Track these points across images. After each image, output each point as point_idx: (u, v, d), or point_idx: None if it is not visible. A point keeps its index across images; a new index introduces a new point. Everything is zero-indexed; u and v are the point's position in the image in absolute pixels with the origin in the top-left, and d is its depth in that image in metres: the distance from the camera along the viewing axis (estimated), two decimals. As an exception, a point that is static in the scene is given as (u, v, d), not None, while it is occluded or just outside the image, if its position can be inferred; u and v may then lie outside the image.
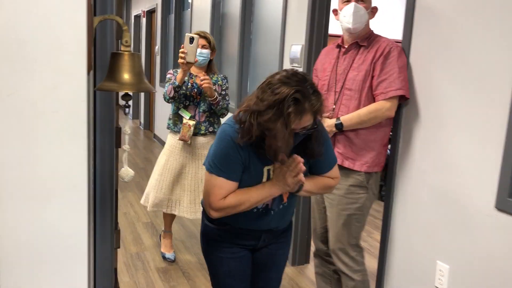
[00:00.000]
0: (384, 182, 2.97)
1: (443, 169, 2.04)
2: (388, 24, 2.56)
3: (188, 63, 2.80)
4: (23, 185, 0.98)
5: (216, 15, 4.86)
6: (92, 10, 1.14)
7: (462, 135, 1.95)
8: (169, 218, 3.29)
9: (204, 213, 1.74)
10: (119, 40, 1.22)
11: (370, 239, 3.82)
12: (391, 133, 2.36)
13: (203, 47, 3.02)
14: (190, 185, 3.13)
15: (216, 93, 3.01)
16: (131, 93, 1.07)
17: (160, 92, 6.73)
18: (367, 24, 2.31)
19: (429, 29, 2.11)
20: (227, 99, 3.14)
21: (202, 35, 3.05)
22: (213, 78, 3.11)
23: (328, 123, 2.26)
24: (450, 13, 2.00)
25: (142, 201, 3.36)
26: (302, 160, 1.51)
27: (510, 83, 1.73)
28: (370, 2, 2.30)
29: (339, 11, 2.33)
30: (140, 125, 8.90)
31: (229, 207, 1.54)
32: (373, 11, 2.32)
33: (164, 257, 3.24)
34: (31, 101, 0.85)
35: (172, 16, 6.60)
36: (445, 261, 2.03)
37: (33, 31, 0.79)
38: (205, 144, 3.12)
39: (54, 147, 0.99)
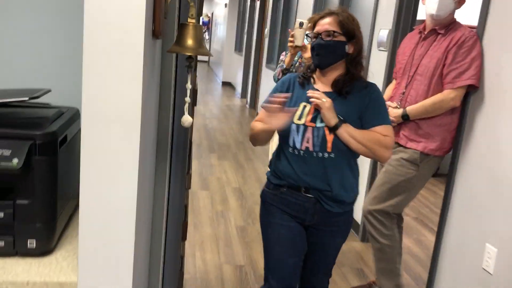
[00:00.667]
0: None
1: (500, 153, 2.07)
2: (468, 10, 2.56)
3: (296, 46, 2.83)
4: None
5: (318, 0, 5.04)
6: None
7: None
8: None
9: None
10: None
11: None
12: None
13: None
14: None
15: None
16: (193, 56, 1.37)
17: (267, 73, 7.10)
18: (452, 13, 2.34)
19: (503, 17, 2.12)
20: None
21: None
22: None
23: (395, 114, 2.38)
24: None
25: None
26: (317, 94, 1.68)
27: None
28: None
29: None
30: (246, 103, 9.41)
31: (252, 127, 1.83)
32: (460, 1, 2.35)
33: None
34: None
35: (282, 1, 6.90)
36: (494, 244, 2.08)
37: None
38: None
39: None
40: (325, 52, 1.72)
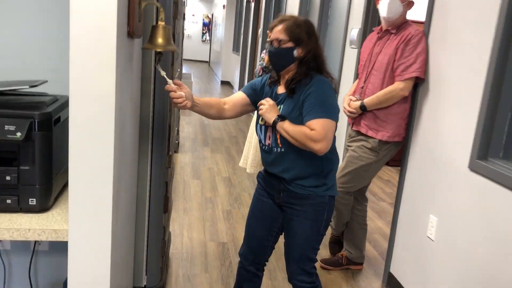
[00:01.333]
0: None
1: (440, 136, 2.37)
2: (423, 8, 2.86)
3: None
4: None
5: (304, 1, 5.35)
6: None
7: (453, 109, 2.27)
8: None
9: None
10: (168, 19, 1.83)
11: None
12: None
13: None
14: None
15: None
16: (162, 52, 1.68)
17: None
18: (402, 15, 2.63)
19: (443, 19, 2.42)
20: None
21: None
22: None
23: (355, 106, 2.68)
24: (454, 8, 2.30)
25: (240, 164, 3.76)
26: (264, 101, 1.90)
27: (486, 70, 2.02)
28: None
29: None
30: (243, 101, 9.71)
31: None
32: (409, 4, 2.64)
33: None
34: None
35: (273, 1, 7.20)
36: (435, 214, 2.38)
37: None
38: None
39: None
40: (276, 58, 1.90)
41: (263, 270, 2.15)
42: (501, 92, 1.98)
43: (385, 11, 2.59)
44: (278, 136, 1.90)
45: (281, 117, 1.85)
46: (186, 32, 19.20)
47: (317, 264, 3.04)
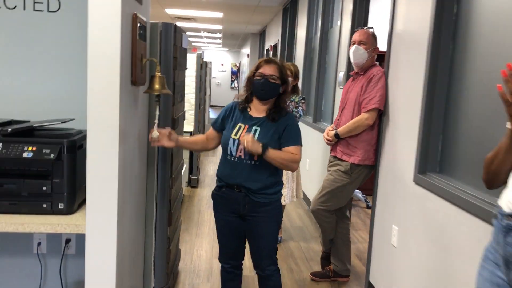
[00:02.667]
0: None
1: (396, 157, 2.82)
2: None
3: None
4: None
5: (308, 49, 5.95)
6: (146, 51, 2.37)
7: (403, 134, 2.73)
8: None
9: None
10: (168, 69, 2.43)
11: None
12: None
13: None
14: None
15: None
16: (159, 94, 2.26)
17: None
18: (369, 59, 3.15)
19: (395, 62, 2.92)
20: (299, 111, 4.11)
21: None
22: (293, 97, 4.09)
23: (331, 134, 3.18)
24: (402, 53, 2.80)
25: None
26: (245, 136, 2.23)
27: (420, 101, 2.50)
28: (371, 44, 3.13)
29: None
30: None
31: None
32: (374, 50, 3.17)
33: None
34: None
35: (286, 51, 7.88)
36: (396, 224, 2.79)
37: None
38: None
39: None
40: (268, 90, 2.34)
41: (241, 268, 2.59)
42: (432, 118, 2.44)
43: (352, 58, 3.13)
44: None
45: (264, 146, 2.24)
46: (216, 81, 20.27)
47: (307, 276, 3.46)
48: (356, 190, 5.20)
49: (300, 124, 4.68)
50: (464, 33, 2.29)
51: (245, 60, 15.88)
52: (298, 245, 4.13)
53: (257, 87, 2.38)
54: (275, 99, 2.41)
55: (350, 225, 3.40)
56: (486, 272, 1.41)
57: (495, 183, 1.44)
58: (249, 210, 2.36)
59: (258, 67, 2.42)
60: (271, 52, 9.89)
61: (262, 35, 12.72)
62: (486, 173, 1.46)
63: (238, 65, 20.82)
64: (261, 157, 2.26)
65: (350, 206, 3.55)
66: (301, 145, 2.40)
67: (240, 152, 2.36)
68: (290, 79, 4.00)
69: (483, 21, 2.12)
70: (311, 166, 5.23)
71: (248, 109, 2.47)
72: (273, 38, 9.82)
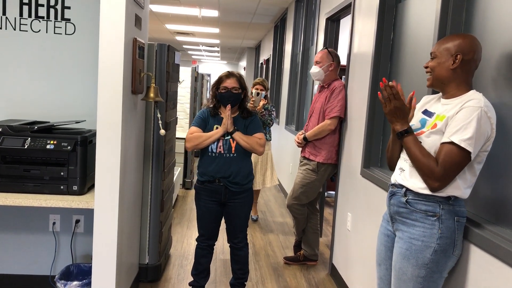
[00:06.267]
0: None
1: (351, 156, 3.39)
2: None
3: (255, 106, 4.55)
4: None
5: (293, 63, 6.55)
6: (144, 66, 2.96)
7: (356, 137, 3.29)
8: None
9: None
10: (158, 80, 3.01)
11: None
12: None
13: (261, 90, 4.71)
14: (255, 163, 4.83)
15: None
16: (153, 101, 2.83)
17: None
18: (328, 75, 3.71)
19: (352, 76, 3.50)
20: (273, 118, 4.77)
21: (259, 82, 4.76)
22: (266, 105, 4.75)
23: (300, 138, 3.74)
24: (356, 70, 3.38)
25: (267, 185, 5.06)
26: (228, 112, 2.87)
27: (366, 110, 3.07)
28: (325, 61, 3.69)
29: None
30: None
31: (192, 138, 2.98)
32: (331, 65, 3.74)
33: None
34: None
35: (276, 64, 8.48)
36: (350, 211, 3.34)
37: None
38: None
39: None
40: (234, 99, 2.96)
41: (214, 249, 3.11)
42: (374, 122, 3.01)
43: (312, 75, 3.73)
44: (233, 145, 2.89)
45: (236, 129, 2.89)
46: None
47: (281, 260, 4.00)
48: (331, 192, 5.77)
49: (284, 132, 5.32)
50: (397, 54, 2.87)
51: (242, 72, 16.55)
52: (277, 237, 4.68)
53: (223, 98, 2.93)
54: (240, 104, 3.00)
55: (318, 217, 3.95)
56: (381, 228, 1.97)
57: (392, 166, 2.01)
58: (228, 198, 2.92)
59: (220, 81, 2.96)
60: (265, 66, 10.50)
61: (257, 49, 13.39)
62: (386, 158, 2.02)
63: (236, 77, 21.46)
64: (231, 134, 2.87)
65: (319, 200, 4.10)
66: (264, 133, 3.04)
67: (220, 148, 2.92)
68: (268, 93, 4.67)
69: (410, 45, 2.70)
70: (294, 169, 5.79)
71: (220, 113, 3.02)
72: (267, 52, 10.45)
